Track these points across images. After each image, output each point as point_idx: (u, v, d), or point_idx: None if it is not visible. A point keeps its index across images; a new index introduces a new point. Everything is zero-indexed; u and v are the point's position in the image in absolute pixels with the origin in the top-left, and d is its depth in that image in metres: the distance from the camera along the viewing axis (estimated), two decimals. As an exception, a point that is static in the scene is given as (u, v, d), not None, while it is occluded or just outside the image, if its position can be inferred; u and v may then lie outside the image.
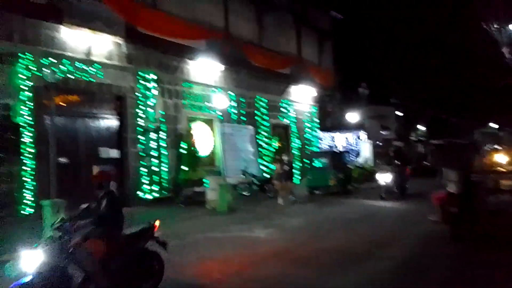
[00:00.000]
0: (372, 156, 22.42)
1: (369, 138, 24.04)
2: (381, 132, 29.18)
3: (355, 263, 6.16)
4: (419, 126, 40.26)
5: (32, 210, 9.73)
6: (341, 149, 21.69)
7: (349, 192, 15.47)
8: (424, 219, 8.32)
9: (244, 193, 14.46)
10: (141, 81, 12.83)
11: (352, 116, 23.94)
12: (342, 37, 26.71)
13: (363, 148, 23.13)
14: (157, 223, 5.15)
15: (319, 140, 23.87)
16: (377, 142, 25.44)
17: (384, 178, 13.22)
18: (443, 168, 7.51)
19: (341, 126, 27.49)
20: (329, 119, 32.80)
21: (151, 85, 13.09)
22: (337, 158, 15.51)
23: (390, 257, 6.43)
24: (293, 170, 16.78)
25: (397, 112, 36.19)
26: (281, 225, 9.31)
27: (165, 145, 13.38)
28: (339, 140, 27.39)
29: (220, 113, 15.02)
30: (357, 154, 23.63)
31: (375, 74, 30.53)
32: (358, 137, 25.99)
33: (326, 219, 10.18)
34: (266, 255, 6.62)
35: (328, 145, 25.50)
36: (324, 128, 27.40)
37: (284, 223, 9.57)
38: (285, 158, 14.45)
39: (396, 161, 13.38)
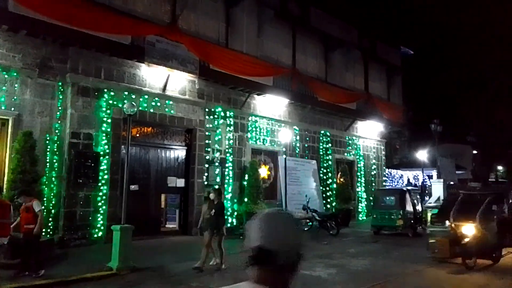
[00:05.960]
0: (445, 197, 21.04)
1: (441, 177, 22.62)
2: (455, 171, 27.33)
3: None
4: (499, 167, 37.14)
5: (103, 234, 10.40)
6: (409, 187, 20.61)
7: (418, 234, 14.54)
8: None
9: (304, 228, 14.23)
10: (210, 115, 13.45)
11: (423, 154, 22.78)
12: (413, 72, 25.97)
13: (435, 188, 21.77)
14: None
15: (386, 178, 22.95)
16: (451, 182, 23.80)
17: None
18: None
19: (410, 164, 26.24)
20: (397, 156, 31.47)
21: (219, 118, 13.66)
22: (405, 197, 14.71)
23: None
24: (225, 216, 9.84)
25: (474, 151, 33.84)
26: (343, 266, 8.94)
27: (229, 176, 13.72)
28: (408, 178, 26.08)
29: (284, 147, 15.11)
30: (428, 194, 22.27)
31: (450, 111, 29.07)
32: (430, 176, 24.56)
33: (394, 261, 9.61)
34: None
35: (396, 183, 24.37)
36: (391, 165, 26.30)
37: (347, 264, 9.18)
38: (212, 195, 8.84)
39: None
